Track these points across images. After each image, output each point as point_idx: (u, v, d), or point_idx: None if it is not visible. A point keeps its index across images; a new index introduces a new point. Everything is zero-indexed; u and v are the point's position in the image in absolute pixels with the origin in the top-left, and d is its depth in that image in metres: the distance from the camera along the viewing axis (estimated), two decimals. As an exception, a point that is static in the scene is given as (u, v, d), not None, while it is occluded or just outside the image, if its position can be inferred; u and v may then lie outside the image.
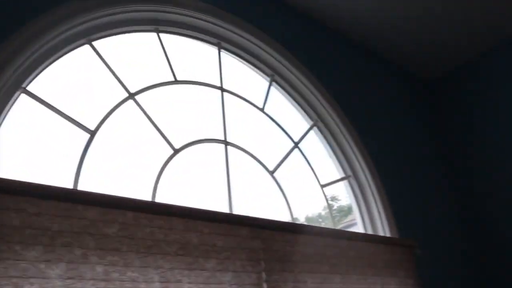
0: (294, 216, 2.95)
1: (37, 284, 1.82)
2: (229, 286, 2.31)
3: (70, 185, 2.19)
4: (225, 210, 2.63)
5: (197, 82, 2.86)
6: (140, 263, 2.09)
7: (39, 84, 2.26)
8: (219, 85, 2.99)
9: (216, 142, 2.79)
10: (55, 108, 2.25)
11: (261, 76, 3.27)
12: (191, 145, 2.65)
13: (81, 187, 2.21)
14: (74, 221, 1.99)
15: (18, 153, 2.14)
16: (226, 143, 2.81)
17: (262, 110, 3.14)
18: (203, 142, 2.72)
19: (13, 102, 2.14)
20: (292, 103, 3.38)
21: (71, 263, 1.92)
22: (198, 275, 2.24)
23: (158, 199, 2.41)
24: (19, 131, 2.16)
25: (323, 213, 3.27)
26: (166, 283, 2.13)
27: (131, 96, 2.50)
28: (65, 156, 2.25)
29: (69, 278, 1.90)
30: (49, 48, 2.30)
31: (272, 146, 3.08)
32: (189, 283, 2.19)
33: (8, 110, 2.12)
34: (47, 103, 2.24)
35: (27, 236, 1.86)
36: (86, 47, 2.45)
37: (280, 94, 3.36)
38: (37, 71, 2.23)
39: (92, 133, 2.32)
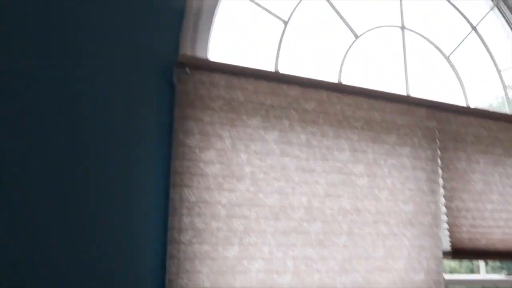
0: (469, 99, 3.01)
1: (259, 145, 2.16)
2: (407, 158, 2.51)
3: (271, 68, 2.43)
4: (403, 91, 2.76)
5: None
6: (333, 134, 2.34)
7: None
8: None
9: (393, 27, 2.88)
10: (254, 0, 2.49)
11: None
12: (370, 31, 2.77)
13: (281, 69, 2.45)
14: (282, 98, 2.26)
15: (228, 41, 2.42)
16: (403, 28, 2.89)
17: None
18: (381, 27, 2.83)
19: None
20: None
21: (281, 131, 2.22)
22: (380, 147, 2.45)
23: (343, 80, 2.59)
24: (228, 23, 2.44)
25: (499, 98, 3.28)
26: (354, 152, 2.38)
27: (315, -14, 2.65)
28: (264, 42, 2.49)
29: (281, 142, 2.21)
30: None
31: (449, 30, 3.09)
32: (373, 153, 2.42)
33: (219, 5, 2.38)
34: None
35: (250, 109, 2.17)
36: None
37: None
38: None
39: (285, 22, 2.53)
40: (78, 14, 2.07)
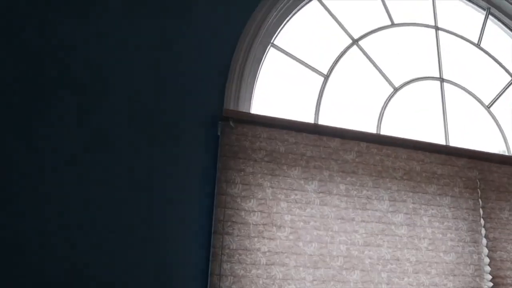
0: (511, 149, 2.99)
1: (299, 195, 2.23)
2: (448, 208, 2.51)
3: (311, 120, 2.52)
4: (442, 142, 2.79)
5: (412, 23, 3.02)
6: (373, 184, 2.39)
7: (282, 38, 2.62)
8: (433, 24, 3.10)
9: (432, 79, 2.94)
10: (295, 57, 2.61)
11: (476, 10, 3.29)
12: (409, 84, 2.84)
13: (321, 121, 2.54)
14: (321, 149, 2.33)
15: (271, 95, 2.54)
16: (442, 80, 2.95)
17: (477, 45, 3.17)
18: (420, 80, 2.89)
19: (265, 55, 2.54)
20: (510, 35, 3.30)
21: (321, 181, 2.28)
22: (420, 197, 2.47)
23: (382, 131, 2.66)
24: (271, 79, 2.56)
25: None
26: (394, 202, 2.40)
27: (355, 42, 2.76)
28: (305, 96, 2.59)
29: (320, 192, 2.27)
30: (286, 6, 2.64)
31: (488, 81, 3.12)
32: (413, 203, 2.44)
33: (263, 62, 2.51)
34: (289, 53, 2.60)
35: (290, 160, 2.26)
36: (314, 2, 2.74)
37: (497, 27, 3.30)
38: (280, 28, 2.59)
39: (326, 77, 2.64)
40: (133, 72, 2.24)
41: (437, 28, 3.06)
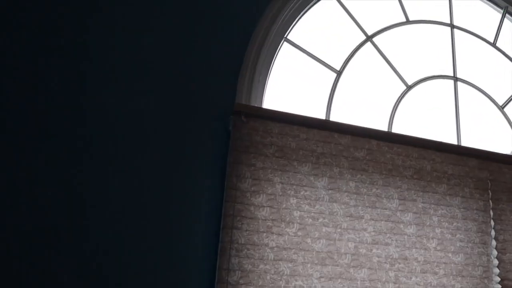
0: (523, 149, 2.96)
1: (309, 191, 2.22)
2: (458, 209, 2.49)
3: (323, 116, 2.51)
4: (454, 141, 2.76)
5: (427, 21, 2.98)
6: (383, 182, 2.37)
7: (296, 32, 2.60)
8: (449, 22, 3.06)
9: (446, 78, 2.90)
10: (309, 53, 2.59)
11: (494, 8, 3.24)
12: (422, 82, 2.81)
13: (332, 118, 2.52)
14: (332, 146, 2.32)
15: (283, 90, 2.52)
16: (455, 79, 2.91)
17: (493, 44, 3.12)
18: (433, 79, 2.86)
19: (279, 50, 2.52)
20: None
21: (331, 178, 2.27)
22: (430, 197, 2.45)
23: (394, 129, 2.63)
24: (284, 74, 2.54)
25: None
26: (403, 201, 2.38)
27: (369, 38, 2.73)
28: (317, 91, 2.57)
29: (330, 189, 2.25)
30: (301, 1, 2.61)
31: (503, 81, 3.08)
32: (423, 202, 2.42)
33: (276, 57, 2.50)
34: (303, 48, 2.58)
35: (301, 156, 2.25)
36: (330, -3, 2.73)
37: (514, 26, 3.25)
38: (294, 22, 2.57)
39: (338, 73, 2.61)
40: (145, 65, 2.23)
41: (452, 26, 3.02)
